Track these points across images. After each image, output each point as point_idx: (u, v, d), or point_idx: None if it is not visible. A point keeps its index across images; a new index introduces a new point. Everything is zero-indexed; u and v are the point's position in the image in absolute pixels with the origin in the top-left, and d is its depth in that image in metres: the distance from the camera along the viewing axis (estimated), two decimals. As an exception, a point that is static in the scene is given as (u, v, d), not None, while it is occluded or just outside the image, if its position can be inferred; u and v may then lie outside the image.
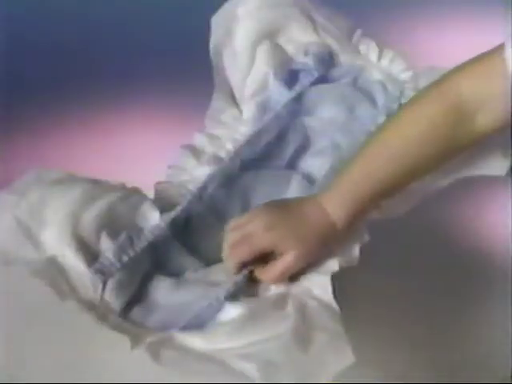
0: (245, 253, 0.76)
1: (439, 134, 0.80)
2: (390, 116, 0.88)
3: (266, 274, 0.76)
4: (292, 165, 0.92)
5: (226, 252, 0.77)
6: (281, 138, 0.92)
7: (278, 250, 0.76)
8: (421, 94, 0.83)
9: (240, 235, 0.77)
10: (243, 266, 0.76)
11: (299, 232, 0.77)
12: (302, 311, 0.67)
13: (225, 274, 0.76)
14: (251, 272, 0.76)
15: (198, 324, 0.68)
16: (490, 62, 0.78)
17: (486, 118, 0.79)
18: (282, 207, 0.80)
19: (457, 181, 0.82)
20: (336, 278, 0.71)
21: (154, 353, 0.63)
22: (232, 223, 0.79)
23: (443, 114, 0.79)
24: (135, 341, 0.64)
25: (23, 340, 0.64)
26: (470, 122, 0.79)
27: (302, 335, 0.64)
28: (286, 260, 0.75)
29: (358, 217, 0.80)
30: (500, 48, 0.77)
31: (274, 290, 0.73)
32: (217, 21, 1.00)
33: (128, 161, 0.94)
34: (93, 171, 0.81)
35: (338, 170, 0.85)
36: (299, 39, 1.01)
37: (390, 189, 0.80)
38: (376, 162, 0.80)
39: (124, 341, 0.63)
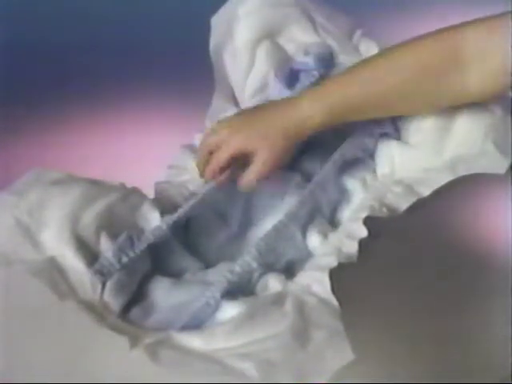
0: (214, 163, 0.80)
1: (431, 74, 0.79)
2: None
3: (241, 180, 0.81)
4: (292, 165, 0.92)
5: (199, 166, 0.83)
6: (281, 137, 0.92)
7: (248, 151, 0.79)
8: (415, 39, 0.81)
9: (206, 149, 0.81)
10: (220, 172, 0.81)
11: (264, 130, 0.79)
12: (301, 309, 0.67)
13: None
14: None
15: (196, 324, 0.68)
16: (497, 21, 0.77)
17: (482, 73, 0.78)
18: (248, 110, 0.84)
19: (456, 180, 0.82)
20: (335, 275, 0.71)
21: (153, 353, 0.63)
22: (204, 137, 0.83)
23: (440, 54, 0.78)
24: (134, 341, 0.64)
25: (22, 340, 0.64)
26: (464, 72, 0.78)
27: (301, 333, 0.64)
28: (257, 162, 0.79)
29: (336, 118, 0.81)
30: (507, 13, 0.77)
31: (273, 288, 0.72)
32: (217, 21, 1.00)
33: (128, 161, 0.94)
34: (93, 171, 0.81)
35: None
36: (299, 39, 1.01)
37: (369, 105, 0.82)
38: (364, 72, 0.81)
39: (123, 341, 0.64)
